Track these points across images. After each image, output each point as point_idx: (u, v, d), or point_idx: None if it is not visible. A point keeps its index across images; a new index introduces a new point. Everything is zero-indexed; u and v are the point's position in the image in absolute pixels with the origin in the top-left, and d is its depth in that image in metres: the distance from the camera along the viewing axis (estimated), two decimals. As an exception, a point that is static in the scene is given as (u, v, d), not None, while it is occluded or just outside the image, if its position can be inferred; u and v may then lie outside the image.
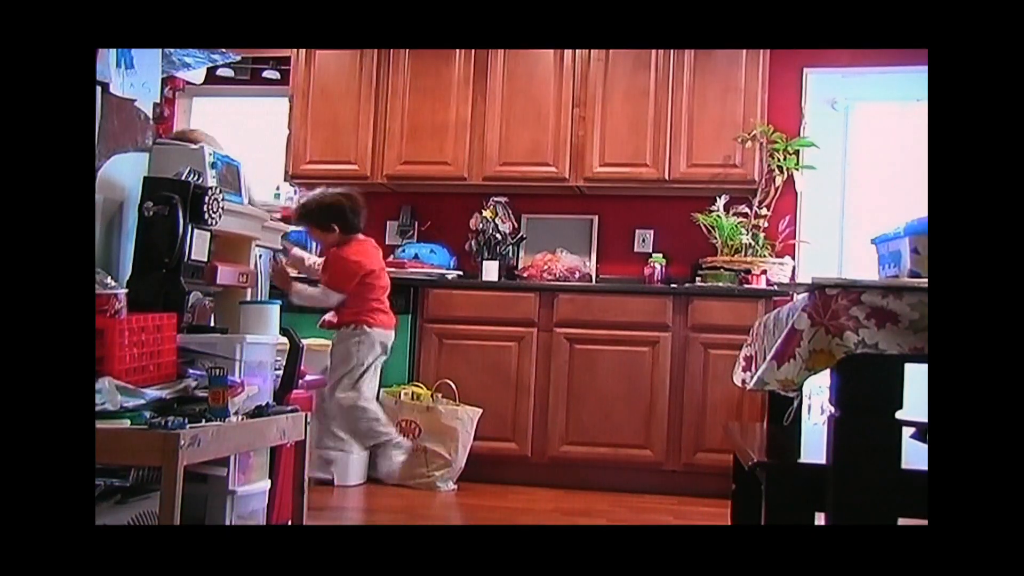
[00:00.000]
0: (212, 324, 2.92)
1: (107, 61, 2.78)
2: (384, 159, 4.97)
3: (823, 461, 1.80)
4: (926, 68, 1.59)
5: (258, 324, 2.80)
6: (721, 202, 4.66)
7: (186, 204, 2.65)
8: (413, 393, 4.41)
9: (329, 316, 3.84)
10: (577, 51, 4.81)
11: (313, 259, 3.98)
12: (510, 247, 4.94)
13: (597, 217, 5.07)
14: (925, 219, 1.67)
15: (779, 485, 1.86)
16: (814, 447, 2.14)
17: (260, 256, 3.31)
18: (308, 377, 3.32)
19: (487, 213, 4.90)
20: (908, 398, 1.70)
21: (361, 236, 3.84)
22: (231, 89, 5.43)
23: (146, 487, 2.54)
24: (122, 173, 2.85)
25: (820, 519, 1.80)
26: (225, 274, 2.88)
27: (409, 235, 5.18)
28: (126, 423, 2.17)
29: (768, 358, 1.75)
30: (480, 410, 4.37)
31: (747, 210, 4.68)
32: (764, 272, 4.57)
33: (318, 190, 3.89)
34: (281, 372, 2.90)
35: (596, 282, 4.88)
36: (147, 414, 2.21)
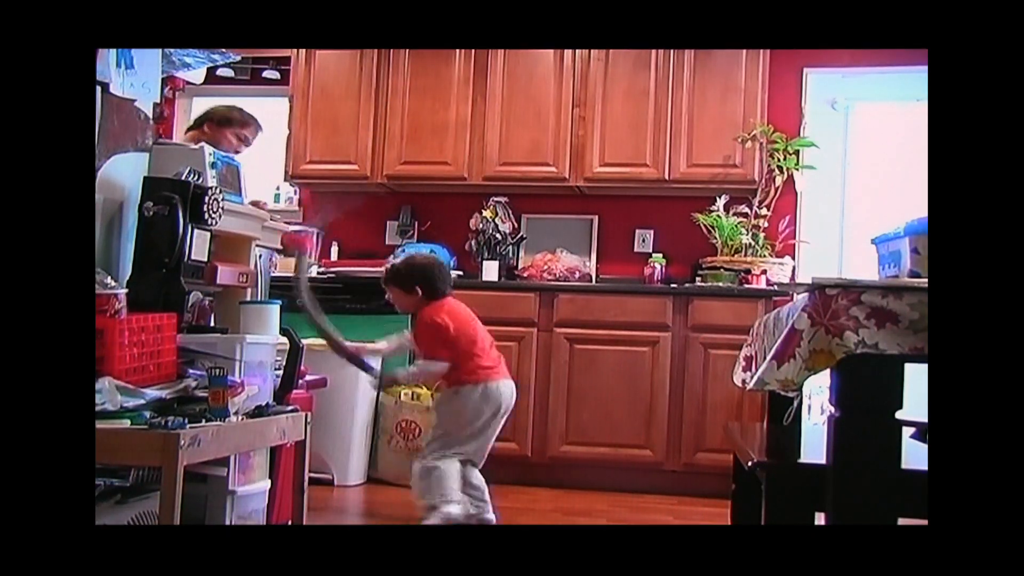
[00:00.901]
0: (212, 324, 2.92)
1: (107, 61, 2.79)
2: (384, 159, 4.96)
3: (823, 461, 1.80)
4: (926, 68, 1.59)
5: (258, 324, 2.80)
6: (721, 202, 4.66)
7: (186, 204, 2.65)
8: (413, 393, 4.40)
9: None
10: (577, 51, 4.81)
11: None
12: (510, 247, 4.94)
13: (597, 217, 5.07)
14: (925, 219, 1.67)
15: (779, 485, 1.87)
16: (814, 447, 2.14)
17: (260, 256, 3.31)
18: (308, 377, 3.32)
19: (487, 213, 4.90)
20: (908, 398, 1.70)
21: (448, 300, 3.50)
22: (231, 89, 5.43)
23: (146, 487, 2.54)
24: (122, 173, 2.85)
25: (820, 519, 1.80)
26: (225, 274, 2.88)
27: (409, 235, 5.18)
28: (126, 423, 2.17)
29: (768, 358, 1.75)
30: (480, 410, 4.36)
31: (747, 210, 4.68)
32: (764, 272, 4.57)
33: (408, 253, 3.77)
34: (281, 372, 2.90)
35: (596, 282, 4.88)
36: (147, 414, 2.21)
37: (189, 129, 4.10)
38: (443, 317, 3.39)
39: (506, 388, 3.40)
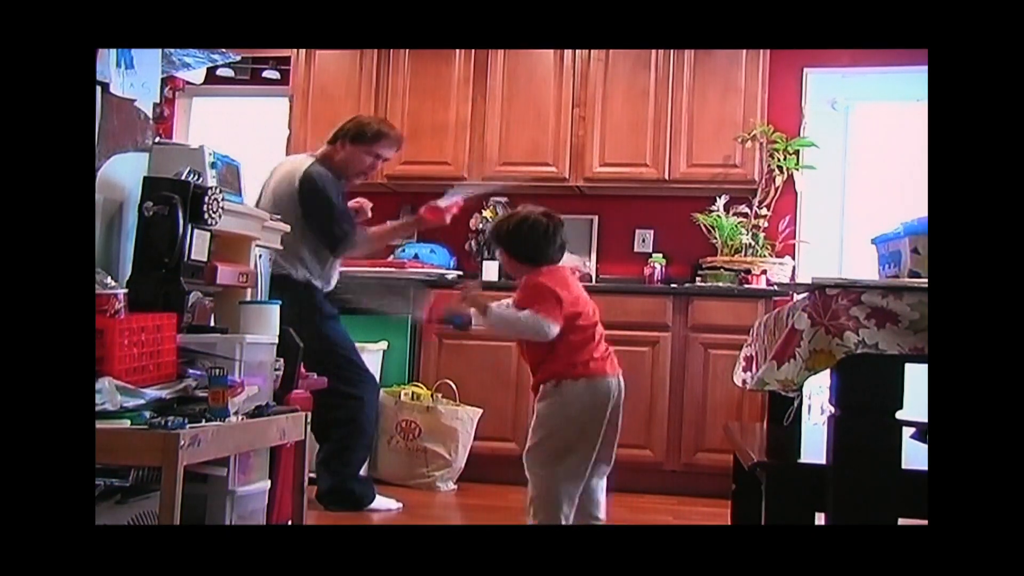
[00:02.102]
0: (212, 324, 2.91)
1: (107, 61, 2.78)
2: (384, 159, 4.96)
3: (823, 461, 1.80)
4: (926, 68, 1.59)
5: (258, 324, 2.79)
6: (721, 202, 4.66)
7: (186, 204, 2.64)
8: (413, 393, 4.41)
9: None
10: (577, 51, 4.81)
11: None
12: (510, 247, 4.93)
13: (597, 217, 5.06)
14: (925, 219, 1.67)
15: (779, 485, 1.87)
16: (814, 447, 2.14)
17: (260, 256, 3.31)
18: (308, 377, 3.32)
19: (487, 213, 4.90)
20: (908, 398, 1.70)
21: (557, 266, 3.02)
22: (231, 89, 5.43)
23: (146, 487, 2.54)
24: (122, 173, 2.85)
25: (820, 519, 1.80)
26: (225, 274, 2.87)
27: (409, 235, 5.18)
28: (126, 423, 2.17)
29: (768, 358, 1.75)
30: (480, 410, 4.37)
31: (747, 210, 4.68)
32: (764, 272, 4.57)
33: (522, 208, 3.09)
34: (281, 372, 2.89)
35: (596, 282, 4.88)
36: (147, 414, 2.21)
37: (328, 143, 3.95)
38: (554, 284, 2.89)
39: (614, 383, 2.90)
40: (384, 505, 3.79)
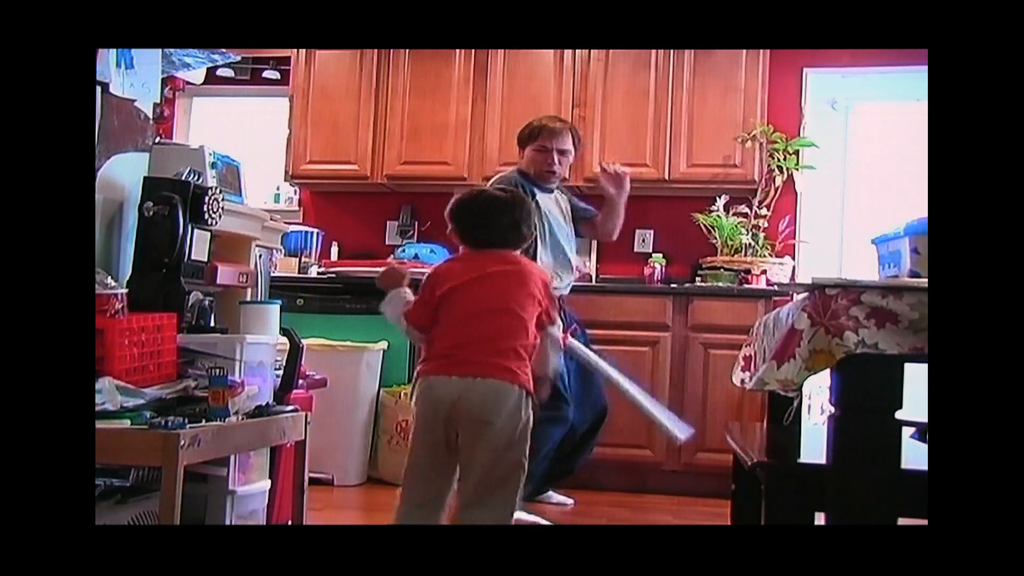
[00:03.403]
0: (212, 324, 2.91)
1: (107, 61, 2.78)
2: (384, 159, 4.96)
3: (823, 461, 1.80)
4: (926, 68, 1.59)
5: (258, 324, 2.80)
6: (721, 202, 4.66)
7: (186, 204, 2.64)
8: (413, 393, 4.40)
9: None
10: (577, 51, 4.81)
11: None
12: (510, 247, 4.92)
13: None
14: (925, 219, 1.67)
15: (779, 485, 1.87)
16: (814, 447, 2.14)
17: (260, 256, 3.31)
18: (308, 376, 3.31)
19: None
20: (908, 398, 1.70)
21: (490, 251, 2.53)
22: (231, 89, 5.43)
23: (146, 487, 2.54)
24: (122, 173, 2.85)
25: (820, 519, 1.80)
26: (225, 274, 2.88)
27: (409, 235, 5.18)
28: (126, 423, 2.17)
29: (768, 358, 1.75)
30: (480, 410, 4.36)
31: (747, 210, 4.68)
32: (764, 272, 4.57)
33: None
34: (281, 372, 2.90)
35: (596, 282, 4.87)
36: (147, 414, 2.21)
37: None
38: (438, 270, 2.55)
39: (444, 386, 2.37)
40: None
